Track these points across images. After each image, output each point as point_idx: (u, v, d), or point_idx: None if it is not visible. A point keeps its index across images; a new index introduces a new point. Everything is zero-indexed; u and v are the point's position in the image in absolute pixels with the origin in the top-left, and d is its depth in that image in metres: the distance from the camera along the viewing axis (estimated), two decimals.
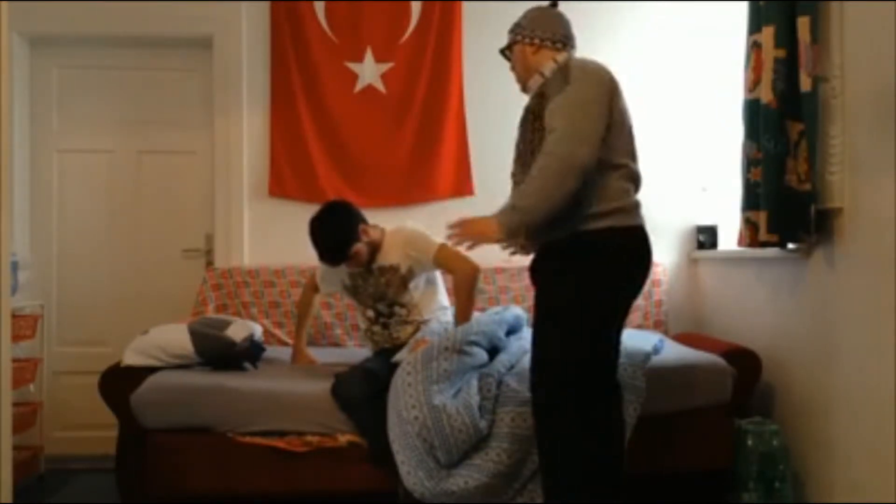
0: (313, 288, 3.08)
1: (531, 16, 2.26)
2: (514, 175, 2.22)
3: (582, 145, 1.95)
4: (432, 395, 2.37)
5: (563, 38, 2.22)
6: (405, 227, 2.88)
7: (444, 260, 2.77)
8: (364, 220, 2.82)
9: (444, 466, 2.35)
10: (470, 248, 2.13)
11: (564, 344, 2.04)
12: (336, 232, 2.75)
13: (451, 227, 2.13)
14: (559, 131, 1.97)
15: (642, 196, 2.15)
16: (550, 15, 2.25)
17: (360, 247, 2.76)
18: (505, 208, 2.04)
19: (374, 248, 2.82)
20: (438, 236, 2.84)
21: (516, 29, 2.27)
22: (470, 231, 2.09)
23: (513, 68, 2.30)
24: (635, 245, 2.12)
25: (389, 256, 2.82)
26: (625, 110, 2.11)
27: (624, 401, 2.39)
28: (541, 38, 2.21)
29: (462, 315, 2.72)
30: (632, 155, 2.14)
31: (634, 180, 2.13)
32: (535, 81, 2.18)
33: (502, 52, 2.33)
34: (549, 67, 2.16)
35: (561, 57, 2.17)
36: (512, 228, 2.03)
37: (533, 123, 2.12)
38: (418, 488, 2.32)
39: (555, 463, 2.07)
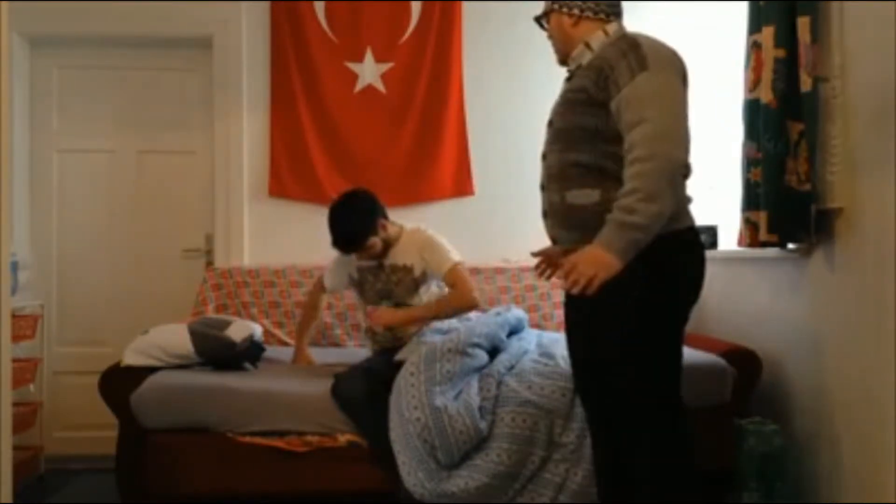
0: (320, 288, 3.08)
1: None
2: (545, 156, 2.03)
3: (679, 146, 1.78)
4: (434, 397, 2.37)
5: (608, 8, 1.98)
6: (425, 230, 2.85)
7: (452, 281, 2.75)
8: (384, 214, 2.81)
9: (444, 467, 2.35)
10: (593, 292, 1.75)
11: (639, 365, 1.89)
12: (354, 222, 2.74)
13: (560, 276, 1.85)
14: (651, 128, 1.74)
15: None
16: None
17: (376, 240, 2.76)
18: (611, 231, 1.74)
19: (389, 243, 2.82)
20: (440, 235, 2.84)
21: None
22: (585, 277, 1.73)
23: (550, 37, 2.08)
24: (697, 247, 1.97)
25: (404, 256, 2.81)
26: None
27: None
28: (580, 9, 1.97)
29: (435, 308, 2.73)
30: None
31: (688, 176, 1.99)
32: (581, 53, 1.97)
33: (537, 20, 2.10)
34: (597, 40, 1.95)
35: (611, 28, 1.96)
36: (630, 251, 1.74)
37: (586, 104, 1.88)
38: (418, 489, 2.32)
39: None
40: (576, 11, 1.99)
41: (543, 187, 2.04)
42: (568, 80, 2.04)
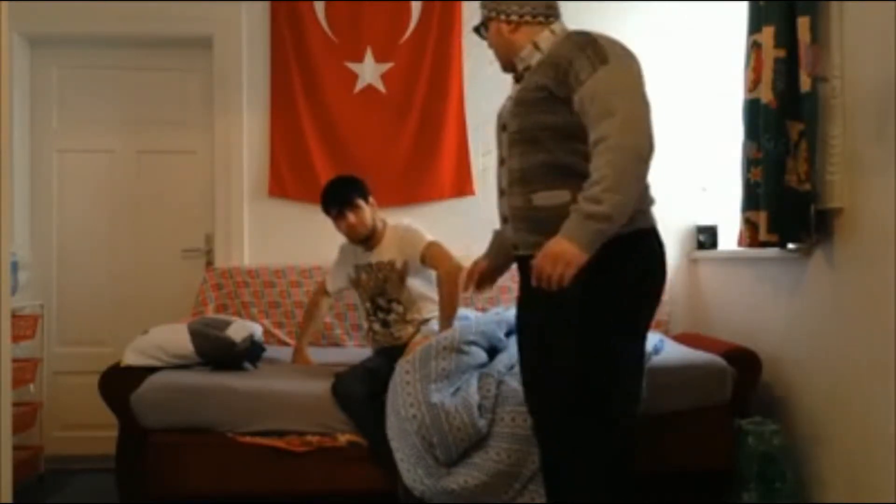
0: (322, 291, 3.10)
1: None
2: (503, 161, 1.98)
3: (646, 138, 1.73)
4: (430, 394, 2.38)
5: (546, 11, 1.96)
6: (402, 223, 2.93)
7: (431, 258, 2.80)
8: (372, 198, 2.90)
9: (442, 465, 2.36)
10: (560, 284, 1.71)
11: (582, 367, 1.83)
12: (347, 182, 2.87)
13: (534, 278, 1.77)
14: (619, 119, 1.70)
15: None
16: None
17: (365, 209, 2.82)
18: (576, 222, 1.70)
19: (376, 234, 2.88)
20: (438, 237, 2.86)
21: (488, 4, 2.01)
22: (551, 272, 1.70)
23: (490, 45, 2.06)
24: (659, 250, 1.92)
25: (387, 252, 2.86)
26: None
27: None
28: (519, 15, 1.95)
29: (446, 313, 2.72)
30: None
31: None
32: (529, 54, 1.93)
33: (476, 30, 2.09)
34: (545, 39, 1.92)
35: (557, 27, 1.95)
36: (595, 242, 1.70)
37: (546, 101, 1.84)
38: (418, 486, 2.32)
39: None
40: (514, 18, 1.96)
41: (503, 192, 1.99)
42: (517, 81, 1.99)
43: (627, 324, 1.91)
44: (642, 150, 1.72)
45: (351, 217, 2.81)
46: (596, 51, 1.78)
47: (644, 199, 1.89)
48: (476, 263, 2.21)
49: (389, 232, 2.90)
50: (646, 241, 1.90)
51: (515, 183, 1.92)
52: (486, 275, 2.20)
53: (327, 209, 2.86)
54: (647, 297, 1.94)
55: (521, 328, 2.03)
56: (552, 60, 1.85)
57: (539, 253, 1.74)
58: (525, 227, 1.91)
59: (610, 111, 1.71)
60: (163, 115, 3.72)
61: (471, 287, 2.21)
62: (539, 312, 1.91)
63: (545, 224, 1.82)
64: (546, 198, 1.86)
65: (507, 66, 2.04)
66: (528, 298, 1.97)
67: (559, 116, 1.83)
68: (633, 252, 1.84)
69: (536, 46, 1.92)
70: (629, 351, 1.93)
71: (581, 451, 1.86)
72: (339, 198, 2.83)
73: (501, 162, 2.00)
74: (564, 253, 1.69)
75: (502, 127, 1.99)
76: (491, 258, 2.21)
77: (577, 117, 1.80)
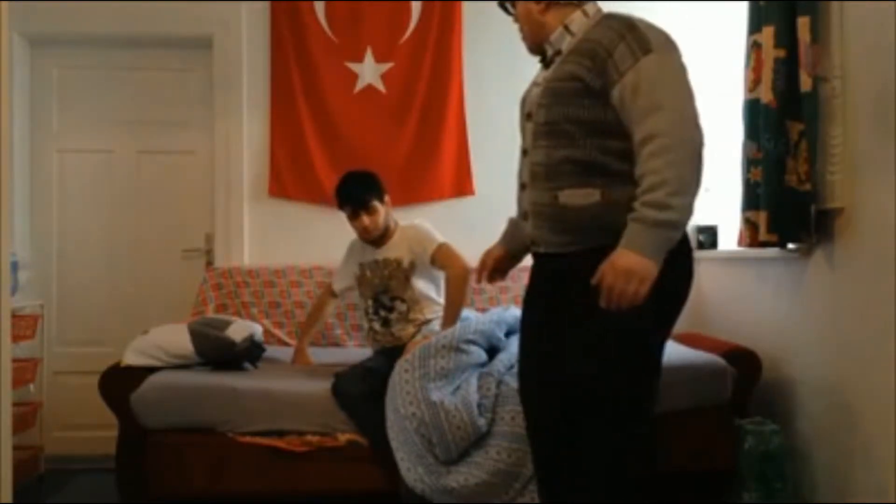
0: (329, 293, 3.11)
1: None
2: (526, 152, 1.85)
3: (697, 128, 1.63)
4: (430, 393, 2.38)
5: None
6: (414, 223, 2.93)
7: (441, 258, 2.81)
8: (388, 202, 2.90)
9: (443, 463, 2.36)
10: (635, 302, 1.59)
11: (618, 379, 1.71)
12: (364, 181, 2.85)
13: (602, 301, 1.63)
14: (671, 114, 1.60)
15: None
16: None
17: (380, 209, 2.82)
18: (643, 231, 1.58)
19: (388, 230, 2.89)
20: (428, 224, 2.90)
21: None
22: (623, 289, 1.57)
23: (516, 22, 1.93)
24: (691, 254, 1.83)
25: (395, 249, 2.86)
26: None
27: None
28: None
29: (451, 313, 2.73)
30: None
31: None
32: (559, 37, 1.79)
33: (501, 5, 1.96)
34: (577, 22, 1.78)
35: (590, 9, 1.81)
36: (664, 251, 1.59)
37: (580, 94, 1.70)
38: (418, 485, 2.33)
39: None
40: None
41: (524, 186, 1.86)
42: (545, 67, 1.87)
43: (661, 330, 1.83)
44: (696, 146, 1.62)
45: (365, 219, 2.81)
46: (637, 38, 1.66)
47: None
48: (489, 252, 2.09)
49: (399, 230, 2.91)
50: (684, 246, 1.79)
51: (539, 178, 1.79)
52: (500, 263, 2.08)
53: (342, 206, 2.85)
54: (681, 303, 1.85)
55: (530, 329, 1.90)
56: (587, 47, 1.70)
57: (604, 269, 1.60)
58: (548, 226, 1.78)
59: (657, 105, 1.61)
60: (163, 115, 3.71)
61: (483, 278, 2.11)
62: (563, 317, 1.75)
63: (572, 223, 1.73)
64: (573, 196, 1.72)
65: (535, 49, 1.90)
66: (544, 299, 1.84)
67: (593, 111, 1.70)
68: (674, 258, 1.69)
69: (567, 29, 1.79)
70: (656, 356, 1.85)
71: (582, 451, 1.82)
72: (354, 199, 2.81)
73: (524, 153, 1.87)
74: (636, 267, 1.57)
75: (527, 115, 1.86)
76: (505, 246, 2.09)
77: (611, 111, 1.69)
